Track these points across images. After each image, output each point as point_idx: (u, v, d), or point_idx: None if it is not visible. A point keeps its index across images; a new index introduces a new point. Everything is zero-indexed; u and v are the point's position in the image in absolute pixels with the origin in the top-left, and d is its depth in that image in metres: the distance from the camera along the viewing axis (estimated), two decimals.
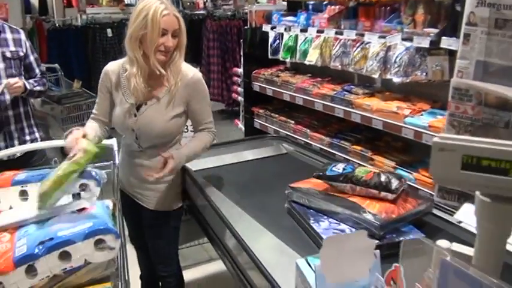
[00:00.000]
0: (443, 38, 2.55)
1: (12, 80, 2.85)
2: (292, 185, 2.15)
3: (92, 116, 2.49)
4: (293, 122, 3.83)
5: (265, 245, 2.00)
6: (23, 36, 3.06)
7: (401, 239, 1.70)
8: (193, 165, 2.79)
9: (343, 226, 1.87)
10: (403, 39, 2.77)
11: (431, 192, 2.59)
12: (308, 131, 3.62)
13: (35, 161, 3.03)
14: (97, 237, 1.94)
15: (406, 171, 2.84)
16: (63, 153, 4.16)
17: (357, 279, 1.47)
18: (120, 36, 6.98)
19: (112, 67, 2.41)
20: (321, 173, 2.07)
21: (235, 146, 3.36)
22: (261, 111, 4.21)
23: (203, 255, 3.83)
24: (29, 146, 3.06)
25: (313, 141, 3.55)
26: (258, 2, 11.43)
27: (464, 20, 2.27)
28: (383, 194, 1.89)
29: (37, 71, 3.14)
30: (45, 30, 6.94)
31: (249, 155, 3.19)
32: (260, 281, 1.78)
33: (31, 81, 3.04)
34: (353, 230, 1.82)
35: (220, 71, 7.67)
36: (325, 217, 1.95)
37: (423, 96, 3.01)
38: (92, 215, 2.06)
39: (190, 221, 2.81)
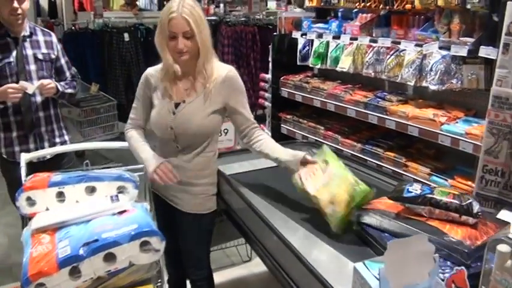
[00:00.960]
0: (482, 47, 2.59)
1: (45, 81, 2.89)
2: (364, 207, 2.04)
3: (130, 122, 2.52)
4: (323, 128, 3.87)
5: (316, 249, 2.02)
6: (54, 38, 3.11)
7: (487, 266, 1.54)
8: (227, 170, 2.84)
9: None
10: (440, 48, 2.82)
11: None
12: (339, 137, 3.67)
13: (64, 164, 3.06)
14: (143, 239, 1.97)
15: (442, 178, 2.88)
16: (77, 156, 4.19)
17: (418, 283, 1.52)
18: (136, 40, 7.03)
19: (151, 71, 2.45)
20: (398, 195, 1.95)
21: None
22: (288, 117, 4.25)
23: (225, 260, 3.88)
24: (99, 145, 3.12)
25: (344, 147, 3.59)
26: (268, 8, 11.49)
27: (504, 30, 2.31)
28: (464, 218, 1.80)
29: (67, 74, 3.18)
30: (56, 33, 6.96)
31: None
32: (307, 281, 1.80)
33: (62, 83, 3.07)
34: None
35: None
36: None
37: (456, 104, 3.05)
38: (135, 217, 2.09)
39: None
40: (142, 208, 2.28)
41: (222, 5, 9.47)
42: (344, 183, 2.07)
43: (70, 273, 1.85)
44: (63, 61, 3.15)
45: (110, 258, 1.91)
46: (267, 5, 10.81)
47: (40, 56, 2.97)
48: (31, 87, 2.82)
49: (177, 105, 2.34)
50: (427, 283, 1.52)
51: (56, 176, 2.30)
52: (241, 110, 2.40)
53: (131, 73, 6.94)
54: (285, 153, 2.37)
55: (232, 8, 9.73)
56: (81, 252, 1.87)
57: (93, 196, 2.26)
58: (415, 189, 1.93)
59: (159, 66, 2.43)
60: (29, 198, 2.19)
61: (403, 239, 1.76)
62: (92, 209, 2.14)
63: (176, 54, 2.24)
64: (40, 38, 3.02)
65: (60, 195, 2.23)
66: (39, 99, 2.97)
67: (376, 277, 1.55)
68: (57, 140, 3.14)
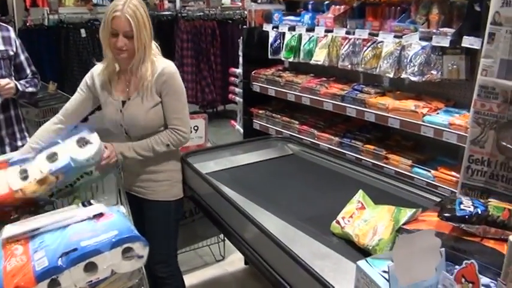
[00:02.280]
0: (464, 37, 2.59)
1: (3, 81, 2.71)
2: (406, 227, 1.85)
3: (60, 112, 2.53)
4: (297, 122, 3.82)
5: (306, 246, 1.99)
6: (12, 33, 2.92)
7: None
8: (202, 168, 2.77)
9: (484, 279, 1.52)
10: (420, 39, 2.80)
11: (452, 189, 2.63)
12: (315, 131, 3.62)
13: None
14: (125, 245, 1.88)
15: (424, 169, 2.88)
16: None
17: (426, 279, 1.47)
18: (92, 36, 6.86)
19: (97, 68, 2.50)
20: (450, 214, 1.75)
21: (239, 147, 3.34)
22: (260, 112, 4.17)
23: (197, 260, 3.81)
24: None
25: (321, 141, 3.54)
26: (223, 4, 11.44)
27: (489, 19, 2.31)
28: None
29: (28, 71, 3.00)
30: None
31: (256, 156, 3.19)
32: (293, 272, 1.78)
33: (22, 82, 2.90)
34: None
35: (194, 72, 7.59)
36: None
37: (434, 95, 3.05)
38: (114, 223, 1.98)
39: (182, 226, 2.82)
40: (119, 212, 2.17)
41: (178, 0, 9.37)
42: (386, 213, 1.96)
43: (49, 287, 1.73)
44: (22, 57, 2.97)
45: (91, 268, 1.80)
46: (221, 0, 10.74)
47: None
48: None
49: (123, 103, 2.43)
50: (435, 278, 1.49)
51: (13, 159, 2.25)
52: (167, 106, 2.43)
53: (88, 70, 6.72)
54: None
55: (185, 3, 9.67)
56: (59, 263, 1.75)
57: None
58: (468, 206, 1.76)
59: (103, 64, 2.47)
60: None
61: (410, 234, 1.72)
62: (66, 214, 2.03)
63: (115, 51, 2.31)
64: None
65: (24, 172, 2.16)
66: (1, 116, 2.79)
67: (381, 274, 1.51)
68: (19, 143, 2.96)
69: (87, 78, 2.52)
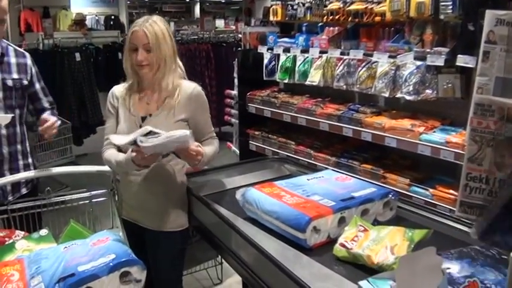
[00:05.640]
0: (459, 56, 2.61)
1: (51, 119, 2.56)
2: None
3: (105, 142, 2.44)
4: (294, 143, 3.82)
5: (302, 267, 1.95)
6: (28, 60, 2.70)
7: None
8: (198, 190, 2.73)
9: None
10: (415, 58, 2.82)
11: (451, 207, 2.62)
12: (312, 151, 3.61)
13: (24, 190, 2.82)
14: (123, 269, 1.83)
15: (422, 188, 2.87)
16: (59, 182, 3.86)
17: None
18: (87, 60, 6.86)
19: (117, 88, 2.48)
20: None
21: (236, 168, 3.29)
22: (257, 133, 4.17)
23: (196, 284, 3.76)
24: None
25: (318, 162, 3.53)
26: (217, 27, 11.57)
27: (484, 38, 2.32)
28: None
29: (44, 101, 2.81)
30: None
31: (253, 177, 3.13)
32: None
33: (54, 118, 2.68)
34: None
35: None
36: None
37: (430, 114, 3.06)
38: (111, 247, 1.94)
39: None
40: (116, 236, 2.14)
41: (172, 24, 9.47)
42: (397, 233, 1.89)
43: None
44: (38, 86, 2.76)
45: None
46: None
47: (10, 83, 2.57)
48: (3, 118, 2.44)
49: (143, 119, 2.36)
50: None
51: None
52: (203, 123, 2.46)
53: (83, 94, 6.75)
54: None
55: (179, 27, 9.78)
56: None
57: None
58: None
59: (125, 83, 2.46)
60: None
61: (412, 253, 1.71)
62: None
63: (137, 67, 2.31)
64: (12, 60, 2.62)
65: None
66: (4, 132, 2.59)
67: None
68: (20, 163, 2.83)
69: (109, 97, 2.49)
